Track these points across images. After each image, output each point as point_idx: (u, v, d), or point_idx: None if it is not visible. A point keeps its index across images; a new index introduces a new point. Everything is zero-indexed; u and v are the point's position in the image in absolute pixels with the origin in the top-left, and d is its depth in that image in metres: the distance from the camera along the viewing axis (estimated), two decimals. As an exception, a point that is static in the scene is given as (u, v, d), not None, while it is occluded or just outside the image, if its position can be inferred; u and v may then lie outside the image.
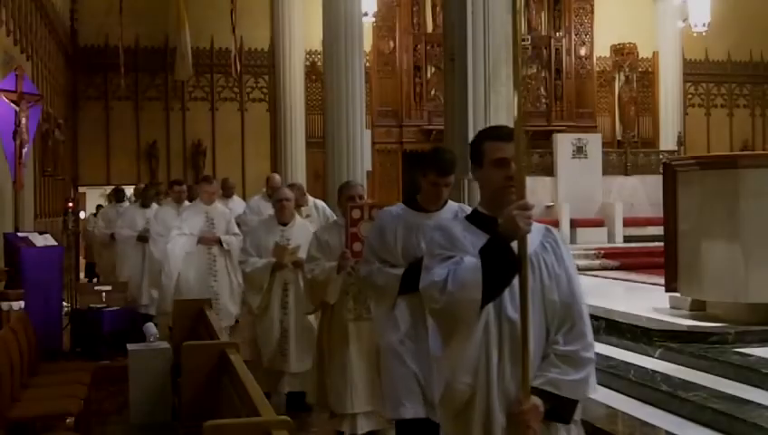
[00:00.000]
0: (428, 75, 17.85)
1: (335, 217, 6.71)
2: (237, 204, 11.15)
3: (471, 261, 2.49)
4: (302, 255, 6.13)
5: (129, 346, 6.79)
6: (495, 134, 2.73)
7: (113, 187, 13.71)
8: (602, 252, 12.98)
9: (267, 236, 6.63)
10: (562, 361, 2.60)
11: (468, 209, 3.85)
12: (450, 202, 4.24)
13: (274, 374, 6.61)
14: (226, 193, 11.10)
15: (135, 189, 13.18)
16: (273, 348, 6.56)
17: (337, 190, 5.58)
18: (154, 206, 10.30)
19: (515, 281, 2.52)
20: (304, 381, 6.32)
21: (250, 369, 4.41)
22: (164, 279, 8.17)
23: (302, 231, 6.64)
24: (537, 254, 2.64)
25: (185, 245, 7.99)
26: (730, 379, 5.78)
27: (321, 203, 9.33)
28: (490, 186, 2.67)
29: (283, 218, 6.68)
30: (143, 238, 9.79)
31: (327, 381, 5.43)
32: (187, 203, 9.29)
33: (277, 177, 10.34)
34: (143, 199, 10.58)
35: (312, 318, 6.30)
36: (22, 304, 6.93)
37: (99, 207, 16.69)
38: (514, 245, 2.48)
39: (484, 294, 2.47)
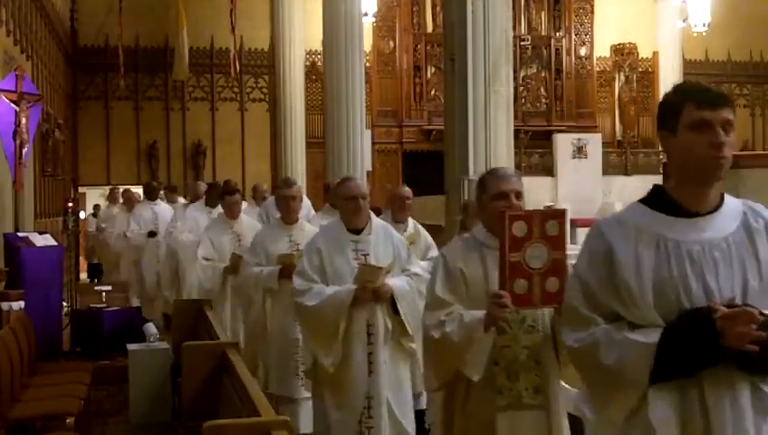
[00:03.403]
0: (428, 75, 17.86)
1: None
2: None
3: None
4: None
5: (129, 346, 6.79)
6: None
7: (145, 183, 12.43)
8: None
9: (334, 250, 4.39)
10: None
11: (761, 208, 2.27)
12: (728, 196, 2.25)
13: None
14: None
15: (195, 188, 10.70)
16: (354, 427, 4.29)
17: (477, 183, 3.39)
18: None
19: None
20: None
21: None
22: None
23: (383, 240, 4.48)
24: None
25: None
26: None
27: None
28: None
29: (357, 223, 4.43)
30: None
31: None
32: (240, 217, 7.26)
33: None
34: (208, 199, 8.62)
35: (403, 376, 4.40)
36: (22, 304, 6.93)
37: (96, 206, 16.66)
38: None
39: None
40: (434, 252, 5.47)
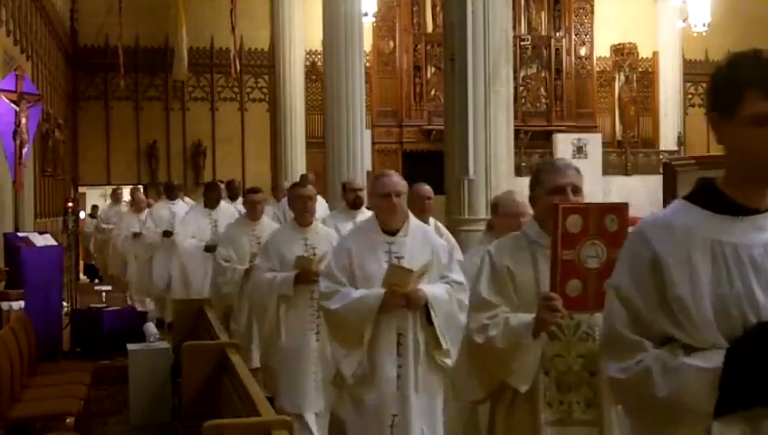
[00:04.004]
0: (428, 75, 17.85)
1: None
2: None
3: None
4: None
5: (129, 346, 6.80)
6: None
7: (164, 182, 12.24)
8: (602, 252, 12.95)
9: (365, 252, 4.03)
10: None
11: None
12: None
13: None
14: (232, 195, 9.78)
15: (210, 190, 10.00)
16: None
17: (531, 176, 2.99)
18: (223, 205, 8.48)
19: None
20: None
21: None
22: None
23: (422, 243, 4.07)
24: None
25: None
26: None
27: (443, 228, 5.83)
28: None
29: (392, 223, 4.05)
30: (212, 249, 7.73)
31: None
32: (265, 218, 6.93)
33: (359, 181, 7.17)
34: (207, 201, 8.49)
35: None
36: (22, 304, 6.93)
37: (94, 207, 16.67)
38: None
39: None
40: (458, 254, 5.01)
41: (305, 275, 4.95)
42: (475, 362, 2.86)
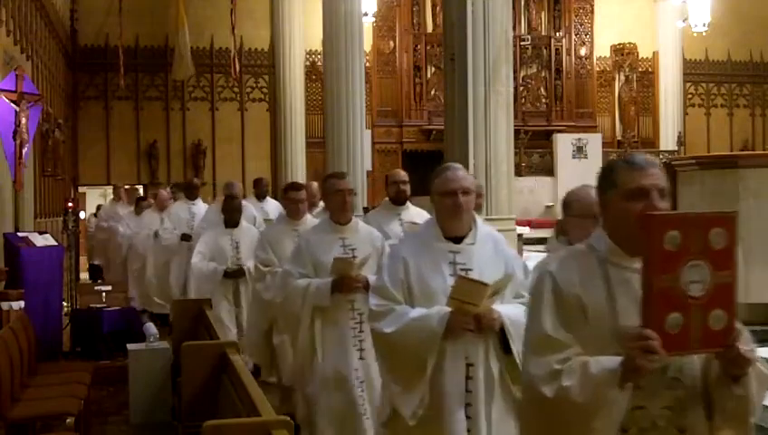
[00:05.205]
0: (428, 75, 17.87)
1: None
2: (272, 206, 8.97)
3: None
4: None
5: (129, 346, 6.80)
6: None
7: (186, 182, 11.76)
8: (602, 252, 12.94)
9: (425, 263, 3.30)
10: None
11: None
12: None
13: None
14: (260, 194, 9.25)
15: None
16: None
17: (599, 176, 2.29)
18: (245, 226, 7.39)
19: None
20: None
21: None
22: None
23: (493, 253, 3.38)
24: None
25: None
26: (730, 379, 5.79)
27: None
28: None
29: (456, 227, 3.33)
30: (233, 275, 7.00)
31: None
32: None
33: (402, 172, 6.34)
34: (227, 218, 7.32)
35: None
36: (22, 304, 6.94)
37: (99, 207, 16.63)
38: None
39: None
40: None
41: (344, 282, 4.33)
42: (542, 420, 2.21)
